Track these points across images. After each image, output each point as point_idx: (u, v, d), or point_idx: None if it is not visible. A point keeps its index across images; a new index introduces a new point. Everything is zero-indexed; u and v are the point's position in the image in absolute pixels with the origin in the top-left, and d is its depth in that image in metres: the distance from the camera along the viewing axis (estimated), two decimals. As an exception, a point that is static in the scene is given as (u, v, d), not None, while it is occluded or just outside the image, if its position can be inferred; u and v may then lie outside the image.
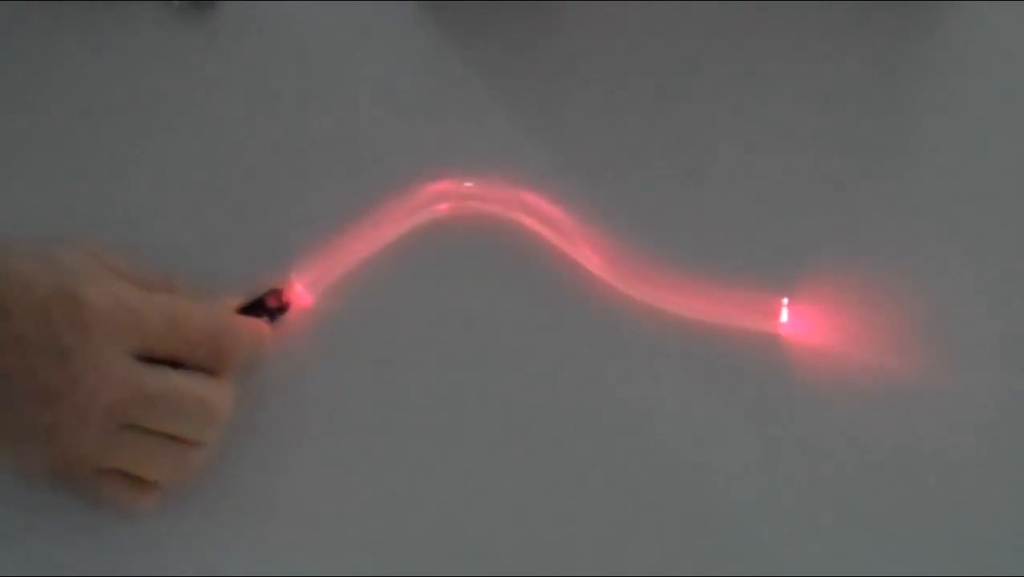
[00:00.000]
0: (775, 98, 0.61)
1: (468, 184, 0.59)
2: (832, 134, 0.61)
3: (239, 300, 0.56)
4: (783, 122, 0.61)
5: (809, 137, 0.61)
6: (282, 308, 0.57)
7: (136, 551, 0.55)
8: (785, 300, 0.58)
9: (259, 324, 0.56)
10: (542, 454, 0.56)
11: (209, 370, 0.53)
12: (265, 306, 0.57)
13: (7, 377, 0.50)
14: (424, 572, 0.54)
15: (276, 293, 0.57)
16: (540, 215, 0.59)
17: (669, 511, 0.56)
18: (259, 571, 0.54)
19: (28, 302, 0.50)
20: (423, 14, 0.62)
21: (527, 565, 0.55)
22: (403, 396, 0.57)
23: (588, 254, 0.58)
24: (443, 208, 0.59)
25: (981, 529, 0.56)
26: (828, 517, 0.56)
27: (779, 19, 0.62)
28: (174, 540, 0.55)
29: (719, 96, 0.61)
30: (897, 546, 0.55)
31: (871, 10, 0.62)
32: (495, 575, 0.54)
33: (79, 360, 0.50)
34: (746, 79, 0.62)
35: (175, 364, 0.52)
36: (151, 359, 0.52)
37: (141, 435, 0.51)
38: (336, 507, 0.56)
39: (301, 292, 0.58)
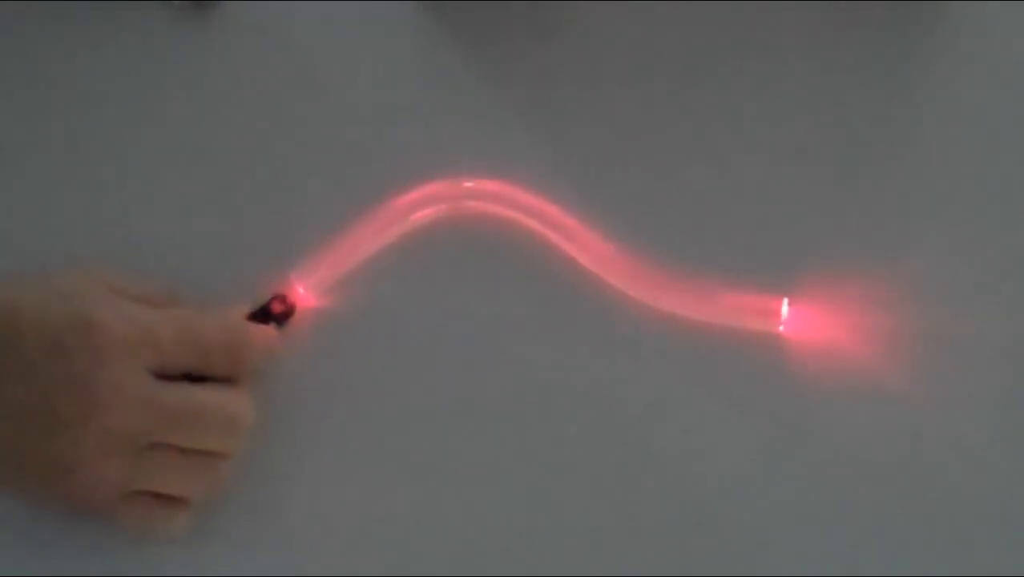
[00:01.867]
0: (775, 98, 0.61)
1: (468, 184, 0.59)
2: (832, 134, 0.61)
3: (243, 308, 0.56)
4: (783, 122, 0.61)
5: (809, 137, 0.61)
6: (287, 313, 0.57)
7: (139, 553, 0.55)
8: (785, 300, 0.58)
9: (267, 331, 0.56)
10: (542, 453, 0.56)
11: (226, 379, 0.53)
12: (270, 312, 0.57)
13: (25, 411, 0.49)
14: (428, 571, 0.54)
15: (280, 298, 0.57)
16: (540, 215, 0.59)
17: (668, 511, 0.56)
18: (268, 572, 0.54)
19: (41, 333, 0.49)
20: (423, 14, 0.62)
21: (527, 564, 0.55)
22: (404, 395, 0.57)
23: (588, 254, 0.58)
24: (443, 208, 0.59)
25: (981, 529, 0.55)
26: (828, 517, 0.56)
27: (779, 19, 0.62)
28: (181, 542, 0.55)
29: (719, 96, 0.61)
30: (897, 546, 0.55)
31: (871, 10, 0.62)
32: (497, 575, 0.54)
33: (97, 386, 0.49)
34: (746, 79, 0.62)
35: (192, 377, 0.52)
36: (168, 375, 0.51)
37: (166, 453, 0.51)
38: (338, 504, 0.55)
39: (302, 294, 0.58)
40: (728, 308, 0.58)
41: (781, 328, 0.57)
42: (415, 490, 0.56)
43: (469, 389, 0.57)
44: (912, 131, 0.62)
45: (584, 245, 0.58)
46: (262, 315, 0.56)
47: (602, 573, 0.54)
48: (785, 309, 0.57)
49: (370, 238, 0.58)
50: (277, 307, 0.57)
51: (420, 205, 0.59)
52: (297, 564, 0.55)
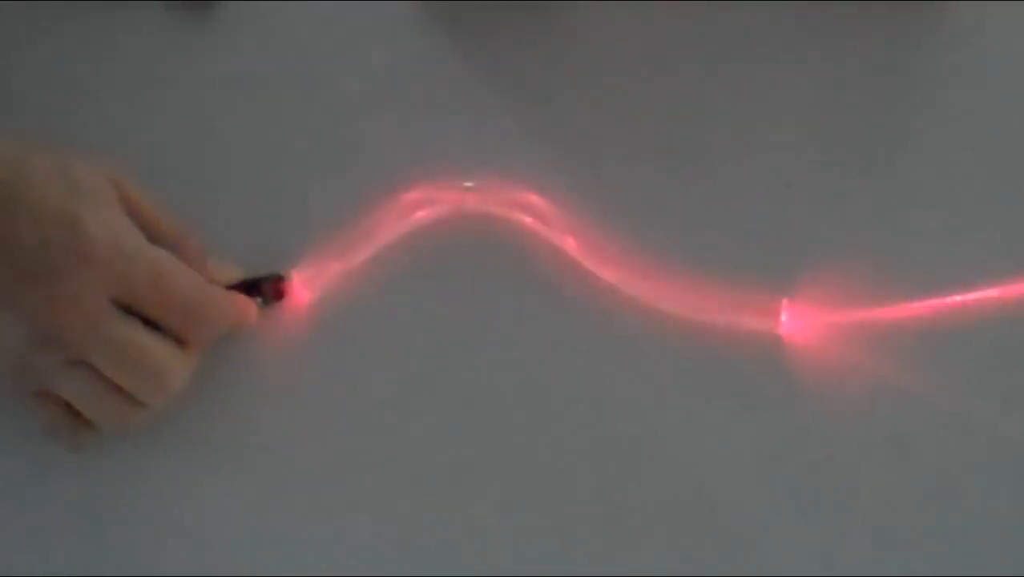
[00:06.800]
0: (775, 98, 0.61)
1: (468, 184, 0.59)
2: (832, 133, 0.61)
3: (239, 273, 0.57)
4: (783, 122, 0.61)
5: (809, 137, 0.61)
6: (277, 295, 0.57)
7: (135, 549, 0.55)
8: (785, 300, 0.58)
9: (247, 303, 0.56)
10: (541, 453, 0.56)
11: (180, 338, 0.53)
12: (261, 288, 0.57)
13: None
14: (427, 571, 0.54)
15: (276, 280, 0.57)
16: (540, 215, 0.59)
17: (667, 511, 0.56)
18: (258, 571, 0.54)
19: (34, 218, 0.50)
20: (423, 14, 0.62)
21: (524, 565, 0.55)
22: (402, 395, 0.57)
23: (588, 254, 0.58)
24: (442, 208, 0.59)
25: (981, 529, 0.56)
26: (827, 517, 0.56)
27: (779, 19, 0.62)
28: (172, 537, 0.55)
29: (719, 96, 0.61)
30: (896, 546, 0.55)
31: (871, 10, 0.62)
32: (493, 575, 0.54)
33: (61, 287, 0.50)
34: (746, 78, 0.62)
35: (151, 320, 0.52)
36: (129, 309, 0.52)
37: (92, 375, 0.52)
38: (333, 507, 0.55)
39: (301, 291, 0.58)
40: (727, 308, 0.58)
41: (781, 328, 0.57)
42: (414, 490, 0.56)
43: (468, 388, 0.57)
44: (912, 131, 0.62)
45: (584, 245, 0.58)
46: (251, 287, 0.57)
47: (599, 573, 0.54)
48: (784, 309, 0.57)
49: (370, 237, 0.58)
50: (269, 287, 0.57)
51: (420, 205, 0.59)
52: (293, 564, 0.55)
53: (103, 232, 0.51)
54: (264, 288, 0.57)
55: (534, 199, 0.59)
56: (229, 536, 0.55)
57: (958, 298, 0.58)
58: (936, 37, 0.63)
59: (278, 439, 0.56)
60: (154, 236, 0.54)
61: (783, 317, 0.57)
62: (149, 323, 0.52)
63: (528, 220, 0.59)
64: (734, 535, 0.55)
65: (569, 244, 0.59)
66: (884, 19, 0.62)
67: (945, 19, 0.63)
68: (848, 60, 0.62)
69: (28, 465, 0.55)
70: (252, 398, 0.57)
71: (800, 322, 0.58)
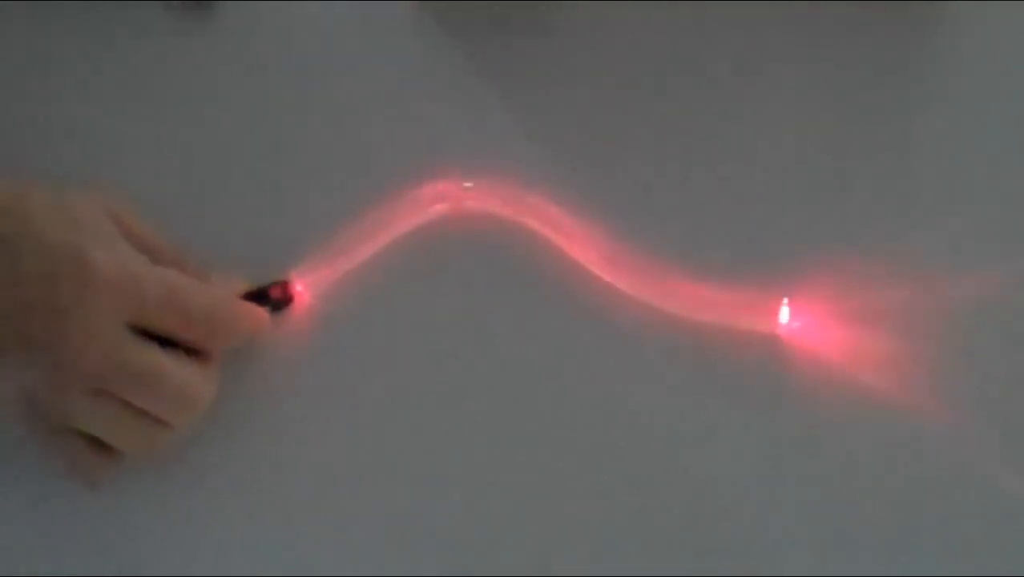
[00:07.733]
0: (775, 98, 0.61)
1: (468, 184, 0.59)
2: (832, 133, 0.61)
3: (244, 285, 0.56)
4: (783, 122, 0.61)
5: (809, 136, 0.61)
6: (285, 301, 0.57)
7: (136, 550, 0.55)
8: (785, 300, 0.58)
9: (259, 312, 0.56)
10: (541, 454, 0.56)
11: (200, 350, 0.53)
12: (268, 296, 0.57)
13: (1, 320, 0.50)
14: (422, 573, 0.54)
15: (281, 285, 0.57)
16: (540, 215, 0.59)
17: (668, 511, 0.56)
18: (258, 571, 0.54)
19: (37, 254, 0.50)
20: (423, 14, 0.63)
21: (524, 566, 0.55)
22: (402, 396, 0.57)
23: (588, 254, 0.58)
24: (443, 208, 0.59)
25: (980, 530, 0.56)
26: (827, 517, 0.56)
27: (779, 19, 0.62)
28: (173, 538, 0.55)
29: (719, 96, 0.61)
30: (896, 546, 0.55)
31: (871, 10, 0.62)
32: (493, 575, 0.54)
33: (73, 320, 0.50)
34: (746, 79, 0.62)
35: (169, 339, 0.52)
36: (145, 330, 0.52)
37: (115, 404, 0.51)
38: (333, 508, 0.55)
39: (301, 292, 0.58)
40: (727, 308, 0.58)
41: (781, 328, 0.57)
42: (413, 491, 0.56)
43: (469, 388, 0.57)
44: (912, 130, 0.62)
45: (584, 245, 0.58)
46: (259, 297, 0.57)
47: (599, 573, 0.54)
48: (784, 309, 0.57)
49: (370, 238, 0.58)
50: (276, 293, 0.57)
51: (421, 205, 0.59)
52: (294, 564, 0.55)
53: (109, 259, 0.51)
54: (271, 295, 0.57)
55: (534, 199, 0.59)
56: (231, 537, 0.55)
57: (958, 298, 0.58)
58: (936, 37, 0.63)
59: (281, 441, 0.56)
60: (154, 260, 0.54)
61: (783, 317, 0.57)
62: (164, 343, 0.52)
63: (528, 220, 0.59)
64: (734, 535, 0.55)
65: (568, 244, 0.59)
66: (884, 19, 0.62)
67: (945, 19, 0.63)
68: (848, 60, 0.62)
69: (28, 471, 0.55)
70: (254, 401, 0.56)
71: (800, 322, 0.58)
